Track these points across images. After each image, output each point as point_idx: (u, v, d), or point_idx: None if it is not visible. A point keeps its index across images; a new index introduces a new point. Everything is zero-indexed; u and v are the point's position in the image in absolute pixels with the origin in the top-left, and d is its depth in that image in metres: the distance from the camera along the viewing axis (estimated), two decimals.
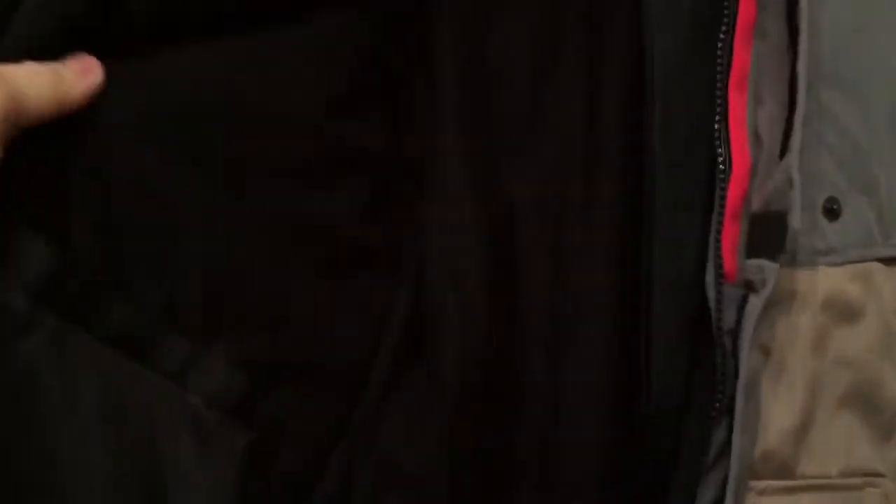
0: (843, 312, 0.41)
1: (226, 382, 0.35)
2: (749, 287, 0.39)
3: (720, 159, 0.40)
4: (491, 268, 0.40)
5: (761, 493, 0.40)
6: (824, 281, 0.41)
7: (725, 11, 0.41)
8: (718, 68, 0.40)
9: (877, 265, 0.42)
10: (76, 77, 0.32)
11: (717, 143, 0.40)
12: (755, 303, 0.38)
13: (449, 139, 0.40)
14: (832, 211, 0.42)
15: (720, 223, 0.39)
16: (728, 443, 0.38)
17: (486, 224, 0.40)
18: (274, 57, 0.37)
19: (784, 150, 0.40)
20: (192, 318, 0.35)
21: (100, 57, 0.33)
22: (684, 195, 0.41)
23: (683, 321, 0.40)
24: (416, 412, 0.39)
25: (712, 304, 0.39)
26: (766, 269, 0.39)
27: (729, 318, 0.39)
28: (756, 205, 0.40)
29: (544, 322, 0.40)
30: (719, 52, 0.41)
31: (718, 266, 0.39)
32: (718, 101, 0.40)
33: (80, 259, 0.33)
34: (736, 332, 0.38)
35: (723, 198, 0.40)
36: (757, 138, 0.41)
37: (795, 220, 0.38)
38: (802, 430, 0.41)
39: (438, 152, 0.40)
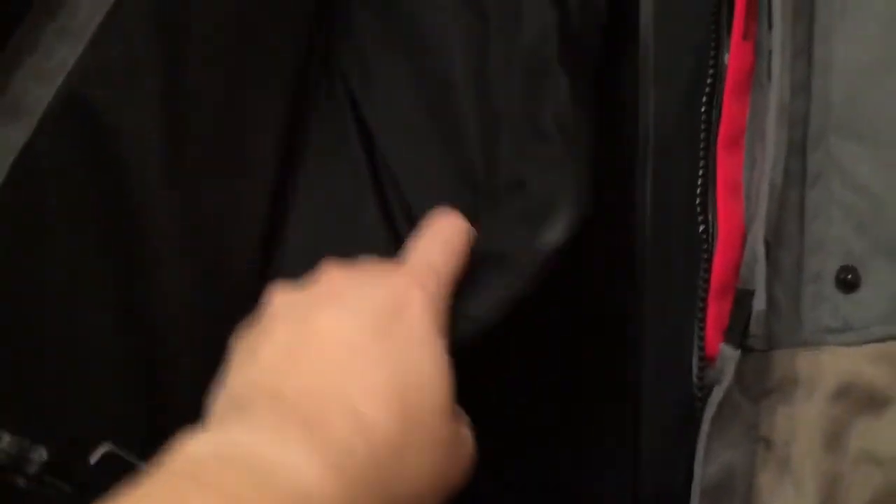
0: (866, 400, 0.35)
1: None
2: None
3: (701, 228, 0.35)
4: None
5: None
6: (836, 363, 0.35)
7: (711, 62, 0.37)
8: (703, 126, 0.36)
9: None
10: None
11: (699, 210, 0.36)
12: (713, 397, 0.33)
13: None
14: (847, 282, 0.36)
15: (703, 300, 0.35)
16: None
17: None
18: None
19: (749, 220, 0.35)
20: None
21: None
22: (674, 269, 0.37)
23: (676, 408, 0.36)
24: None
25: (695, 391, 0.34)
26: (725, 357, 0.33)
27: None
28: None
29: None
30: (703, 108, 0.36)
31: (700, 349, 0.35)
32: (702, 164, 0.36)
33: None
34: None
35: (707, 271, 0.35)
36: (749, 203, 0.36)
37: (759, 302, 0.33)
38: None
39: None
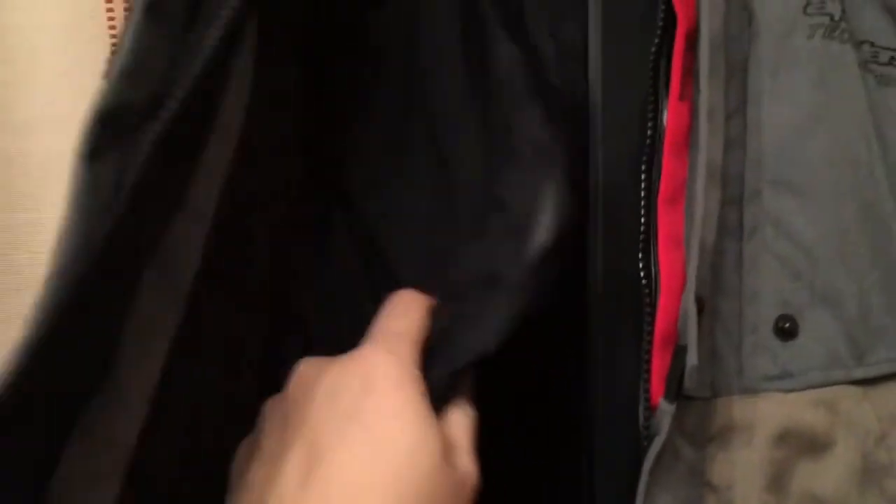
0: (806, 444, 0.36)
1: None
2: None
3: (644, 282, 0.37)
4: None
5: None
6: (776, 409, 0.36)
7: (650, 122, 0.38)
8: (643, 182, 0.38)
9: (848, 388, 0.37)
10: None
11: (641, 265, 0.37)
12: (651, 450, 0.34)
13: None
14: (785, 330, 0.37)
15: (648, 352, 0.36)
16: None
17: None
18: None
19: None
20: None
21: None
22: (623, 321, 0.38)
23: (627, 457, 0.37)
24: None
25: (643, 441, 0.35)
26: (662, 410, 0.34)
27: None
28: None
29: None
30: (643, 164, 0.38)
31: (646, 400, 0.36)
32: (643, 220, 0.37)
33: None
34: None
35: (650, 324, 0.36)
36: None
37: (692, 357, 0.34)
38: None
39: None
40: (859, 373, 0.37)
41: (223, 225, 0.36)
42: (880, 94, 0.41)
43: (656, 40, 0.38)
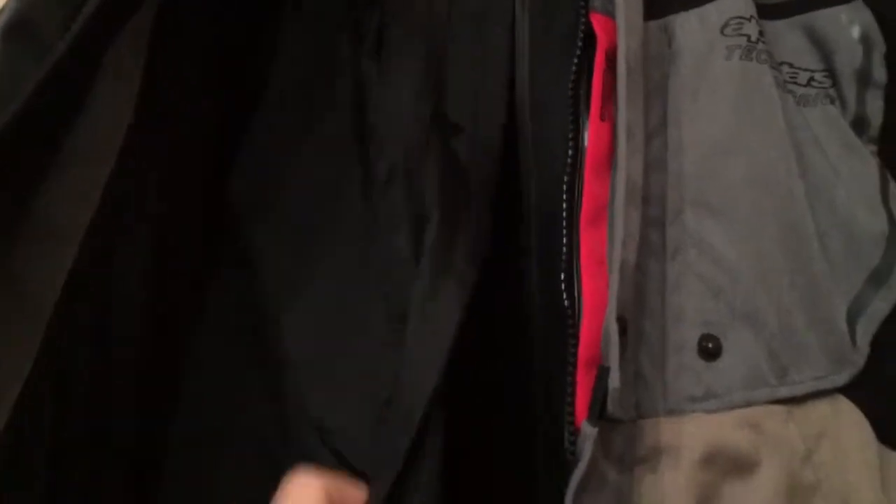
0: (732, 465, 0.36)
1: None
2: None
3: (566, 303, 0.36)
4: None
5: None
6: (701, 431, 0.36)
7: (570, 142, 0.38)
8: (564, 204, 0.38)
9: (773, 408, 0.37)
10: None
11: (563, 286, 0.37)
12: (574, 475, 0.33)
13: None
14: (708, 350, 0.37)
15: (572, 374, 0.36)
16: None
17: None
18: None
19: None
20: None
21: None
22: (556, 341, 0.38)
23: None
24: None
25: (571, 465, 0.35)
26: (584, 434, 0.34)
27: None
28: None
29: None
30: (565, 186, 0.38)
31: (570, 425, 0.35)
32: (565, 241, 0.37)
33: None
34: None
35: (574, 346, 0.36)
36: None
37: (614, 380, 0.33)
38: None
39: None
40: (783, 392, 0.37)
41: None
42: (800, 115, 0.41)
43: (576, 60, 0.38)
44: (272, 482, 0.33)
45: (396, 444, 0.35)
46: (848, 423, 0.38)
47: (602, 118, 0.38)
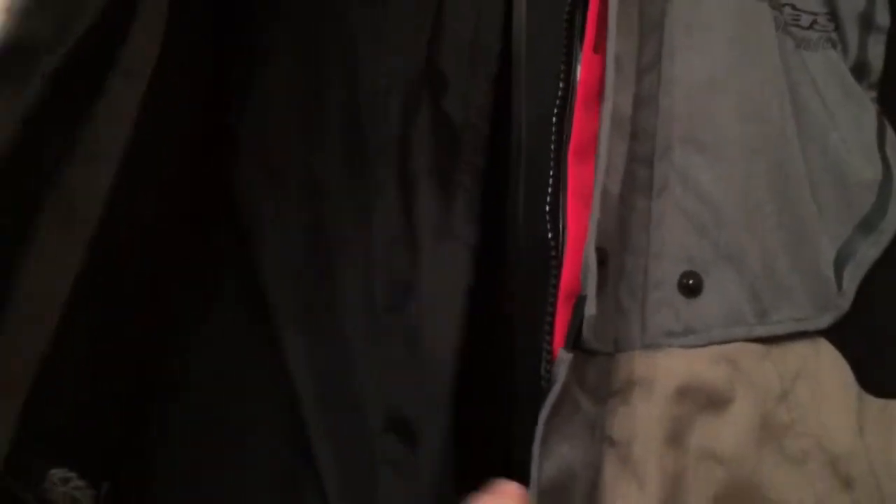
0: (705, 400, 0.36)
1: None
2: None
3: (550, 235, 0.37)
4: None
5: None
6: (676, 365, 0.36)
7: (562, 74, 0.38)
8: (553, 137, 0.37)
9: (750, 346, 0.37)
10: None
11: (548, 218, 0.37)
12: (548, 399, 0.34)
13: None
14: (689, 287, 0.37)
15: (552, 304, 0.36)
16: None
17: None
18: None
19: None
20: None
21: None
22: (537, 272, 0.38)
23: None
24: None
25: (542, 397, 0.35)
26: (560, 360, 0.34)
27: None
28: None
29: None
30: (555, 119, 0.38)
31: (548, 353, 0.36)
32: (552, 172, 0.37)
33: None
34: None
35: (556, 277, 0.36)
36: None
37: (590, 307, 0.34)
38: None
39: None
40: (761, 330, 0.37)
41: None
42: (798, 57, 0.41)
43: None
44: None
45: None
46: (828, 365, 0.38)
47: (595, 50, 0.37)
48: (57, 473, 0.32)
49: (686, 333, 0.37)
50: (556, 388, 0.34)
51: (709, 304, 0.37)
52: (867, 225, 0.39)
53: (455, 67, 0.42)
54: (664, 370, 0.36)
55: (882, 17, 0.41)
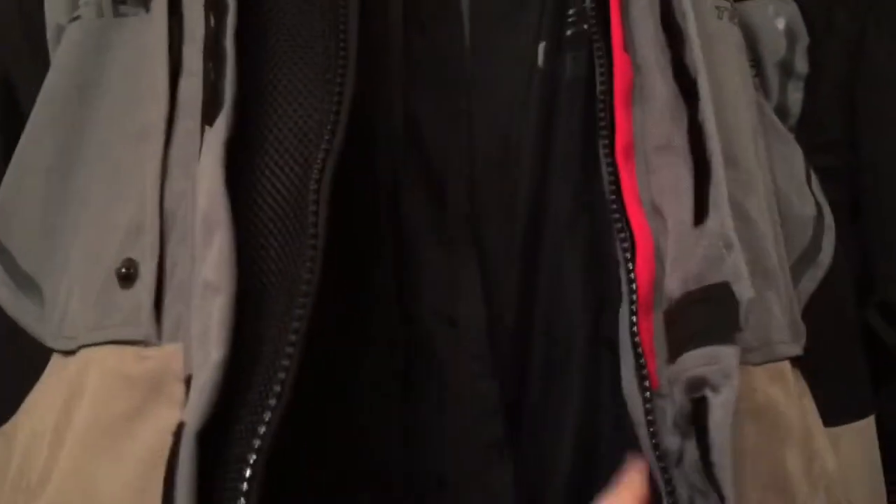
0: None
1: None
2: (694, 389, 0.30)
3: (622, 235, 0.32)
4: None
5: None
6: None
7: (601, 69, 0.35)
8: (603, 133, 0.34)
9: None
10: None
11: (617, 218, 0.33)
12: (725, 400, 0.29)
13: None
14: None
15: (634, 313, 0.31)
16: None
17: None
18: None
19: (701, 214, 0.33)
20: None
21: None
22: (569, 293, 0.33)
23: None
24: None
25: (641, 421, 0.30)
26: (723, 355, 0.30)
27: (670, 441, 0.30)
28: (675, 287, 0.32)
29: None
30: (601, 116, 0.34)
31: (641, 368, 0.30)
32: (609, 171, 0.33)
33: None
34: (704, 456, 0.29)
35: (632, 282, 0.32)
36: (656, 211, 0.34)
37: (745, 288, 0.30)
38: None
39: None
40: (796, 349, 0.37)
41: None
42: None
43: None
44: None
45: None
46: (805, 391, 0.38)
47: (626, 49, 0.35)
48: None
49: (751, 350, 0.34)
50: (732, 387, 0.29)
51: (753, 323, 0.35)
52: (807, 258, 0.41)
53: None
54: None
55: (801, 66, 0.44)
